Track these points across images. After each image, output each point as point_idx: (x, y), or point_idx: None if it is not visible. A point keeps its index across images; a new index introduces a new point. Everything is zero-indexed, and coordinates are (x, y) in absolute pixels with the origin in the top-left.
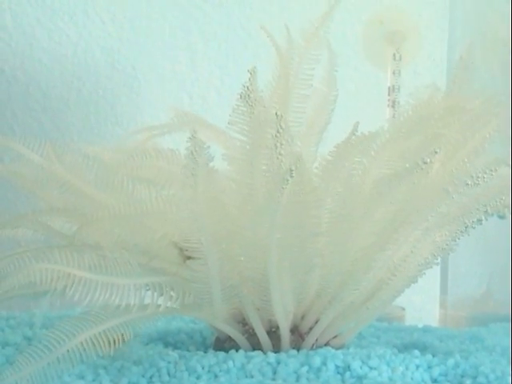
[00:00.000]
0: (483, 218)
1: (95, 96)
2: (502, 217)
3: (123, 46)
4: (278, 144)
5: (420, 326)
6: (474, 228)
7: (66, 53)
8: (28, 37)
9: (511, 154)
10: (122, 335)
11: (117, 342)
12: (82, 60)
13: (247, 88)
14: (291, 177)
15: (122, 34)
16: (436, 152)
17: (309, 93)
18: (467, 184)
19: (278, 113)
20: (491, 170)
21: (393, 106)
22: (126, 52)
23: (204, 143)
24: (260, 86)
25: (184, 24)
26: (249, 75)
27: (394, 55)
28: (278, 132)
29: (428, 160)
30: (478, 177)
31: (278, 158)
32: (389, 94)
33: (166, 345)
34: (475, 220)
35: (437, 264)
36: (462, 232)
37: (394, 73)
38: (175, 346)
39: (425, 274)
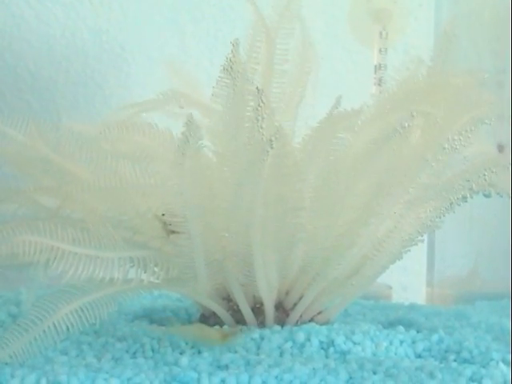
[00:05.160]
0: (468, 194)
1: (83, 77)
2: (487, 195)
3: (112, 26)
4: (260, 118)
5: (406, 303)
6: (459, 205)
7: (54, 33)
8: (16, 18)
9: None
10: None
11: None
12: (71, 41)
13: (230, 60)
14: (271, 148)
15: (111, 15)
16: (413, 115)
17: (285, 68)
18: (444, 148)
19: (259, 87)
20: (467, 131)
21: (379, 84)
22: (114, 33)
23: (199, 128)
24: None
25: (173, 4)
26: (231, 47)
27: (381, 33)
28: (259, 106)
29: (406, 124)
30: (455, 139)
31: (259, 132)
32: (375, 72)
33: (151, 322)
34: (460, 197)
35: (421, 241)
36: (446, 209)
37: (380, 51)
38: (160, 323)
39: (410, 250)
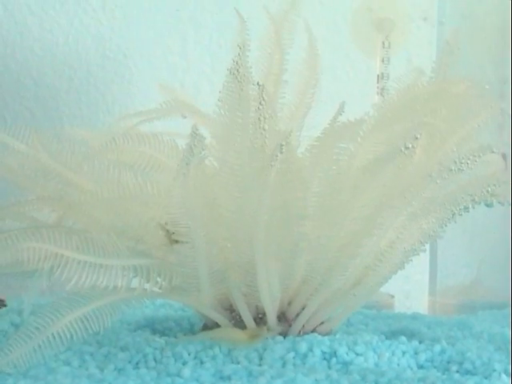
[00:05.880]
0: (470, 205)
1: (86, 84)
2: (489, 205)
3: (114, 34)
4: (262, 118)
5: (409, 313)
6: (461, 216)
7: (57, 41)
8: (19, 25)
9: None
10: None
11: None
12: (74, 48)
13: (236, 63)
14: (281, 153)
15: (114, 23)
16: (417, 137)
17: (285, 78)
18: (451, 170)
19: (260, 83)
20: (475, 156)
21: (382, 94)
22: (117, 40)
23: (204, 138)
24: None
25: (176, 12)
26: (238, 50)
27: (383, 43)
28: (260, 104)
29: (410, 145)
30: (462, 162)
31: (261, 134)
32: (378, 82)
33: (154, 332)
34: (462, 208)
35: (424, 251)
36: (448, 219)
37: (382, 60)
38: (163, 333)
39: (412, 261)
